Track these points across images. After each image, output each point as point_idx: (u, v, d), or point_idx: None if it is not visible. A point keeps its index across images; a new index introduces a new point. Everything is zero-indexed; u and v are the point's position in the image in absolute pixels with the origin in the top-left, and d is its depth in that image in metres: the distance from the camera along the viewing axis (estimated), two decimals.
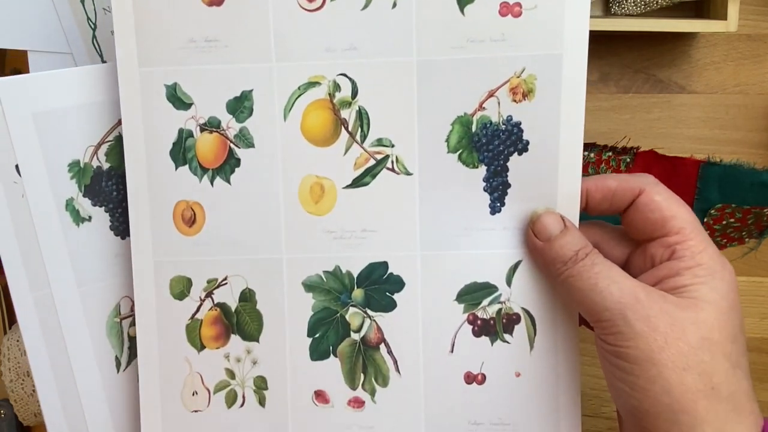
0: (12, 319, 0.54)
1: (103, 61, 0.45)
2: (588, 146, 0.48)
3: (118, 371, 0.39)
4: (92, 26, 0.44)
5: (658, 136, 0.50)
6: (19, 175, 0.36)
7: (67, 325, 0.37)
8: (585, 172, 0.48)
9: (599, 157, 0.48)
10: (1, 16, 0.43)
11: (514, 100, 0.33)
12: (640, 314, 0.29)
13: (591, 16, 0.45)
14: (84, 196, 0.37)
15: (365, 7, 0.33)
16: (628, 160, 0.47)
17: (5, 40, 0.43)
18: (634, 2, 0.46)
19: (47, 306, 0.37)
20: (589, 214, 0.35)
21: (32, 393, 0.48)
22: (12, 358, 0.48)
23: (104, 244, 0.38)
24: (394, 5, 0.33)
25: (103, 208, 0.38)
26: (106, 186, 0.37)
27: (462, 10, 0.33)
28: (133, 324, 0.38)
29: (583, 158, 0.46)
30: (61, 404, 0.37)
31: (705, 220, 0.47)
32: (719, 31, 0.44)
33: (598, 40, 0.48)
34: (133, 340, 0.39)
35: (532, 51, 0.32)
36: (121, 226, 0.38)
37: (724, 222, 0.47)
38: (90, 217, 0.37)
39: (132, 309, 0.38)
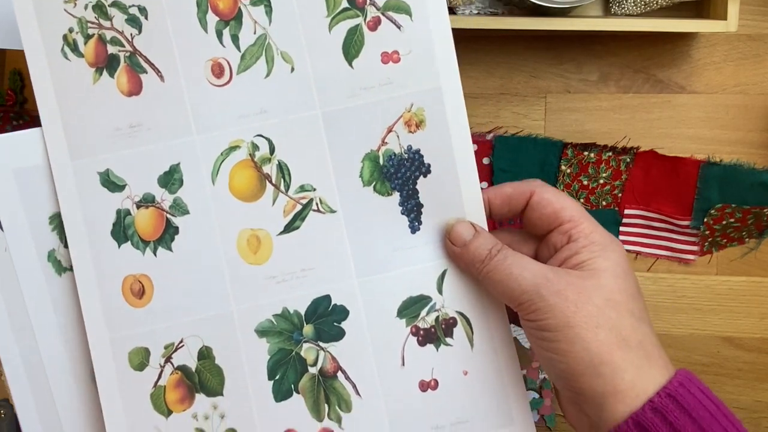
0: None
1: None
2: (588, 146, 0.48)
3: None
4: None
5: (658, 136, 0.49)
6: (1, 229, 0.38)
7: (53, 375, 0.39)
8: (585, 173, 0.49)
9: (599, 157, 0.48)
10: (1, 16, 0.44)
11: (410, 131, 0.38)
12: (552, 290, 0.34)
13: (591, 16, 0.47)
14: (65, 247, 0.39)
15: (267, 75, 0.38)
16: (628, 160, 0.48)
17: (5, 40, 0.44)
18: (634, 2, 0.46)
19: (33, 356, 0.39)
20: (494, 219, 0.40)
21: None
22: None
23: None
24: (292, 69, 0.38)
25: None
26: None
27: (350, 64, 0.38)
28: None
29: (583, 158, 0.48)
30: None
31: (705, 220, 0.47)
32: (719, 31, 0.44)
33: (598, 40, 0.49)
34: None
35: (416, 88, 0.38)
36: None
37: (724, 222, 0.47)
38: (72, 267, 0.39)
39: None
